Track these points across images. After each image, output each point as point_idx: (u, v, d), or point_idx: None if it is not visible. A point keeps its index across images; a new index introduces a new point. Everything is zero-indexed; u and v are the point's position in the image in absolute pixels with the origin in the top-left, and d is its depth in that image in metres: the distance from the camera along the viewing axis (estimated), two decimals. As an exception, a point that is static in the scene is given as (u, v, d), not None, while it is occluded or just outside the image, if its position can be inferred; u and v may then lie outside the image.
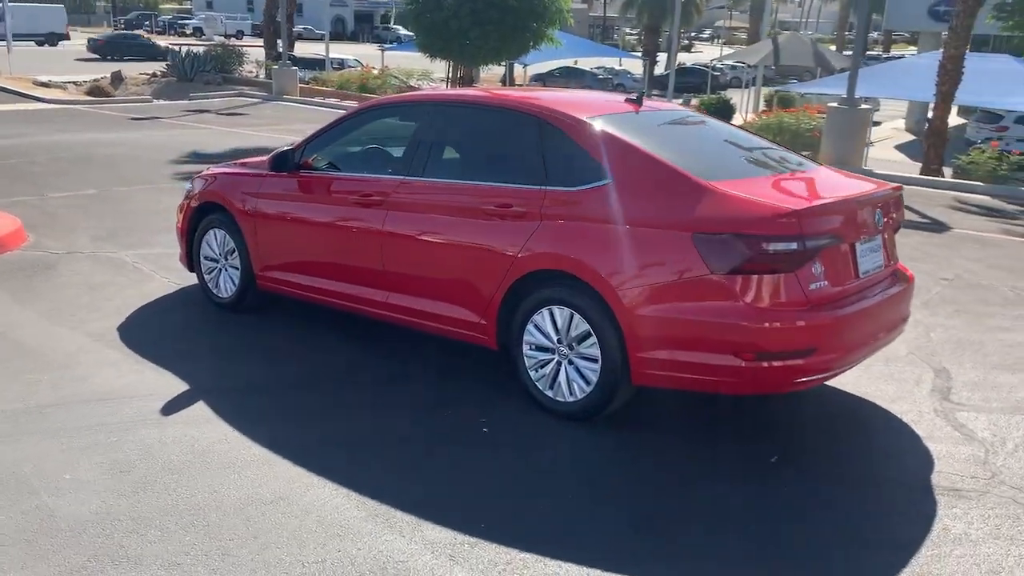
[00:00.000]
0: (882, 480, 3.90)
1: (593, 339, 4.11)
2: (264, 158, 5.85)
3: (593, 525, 3.41)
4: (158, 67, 26.54)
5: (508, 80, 33.85)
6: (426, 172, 4.75)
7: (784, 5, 56.45)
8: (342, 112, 7.34)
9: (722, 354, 3.81)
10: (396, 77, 24.71)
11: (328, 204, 5.17)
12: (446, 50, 19.36)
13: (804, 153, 6.32)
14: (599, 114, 4.44)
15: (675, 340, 3.89)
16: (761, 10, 47.74)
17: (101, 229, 8.17)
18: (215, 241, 5.87)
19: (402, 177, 4.83)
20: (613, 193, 4.09)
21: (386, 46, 41.21)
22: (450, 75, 21.03)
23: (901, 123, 30.06)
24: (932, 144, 15.79)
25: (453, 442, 4.11)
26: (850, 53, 48.44)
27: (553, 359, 4.29)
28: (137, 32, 48.29)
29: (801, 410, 4.58)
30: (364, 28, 67.64)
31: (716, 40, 69.35)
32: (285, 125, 17.86)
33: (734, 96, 28.99)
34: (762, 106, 27.61)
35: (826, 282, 3.88)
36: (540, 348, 4.34)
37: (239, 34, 50.51)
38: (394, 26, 65.58)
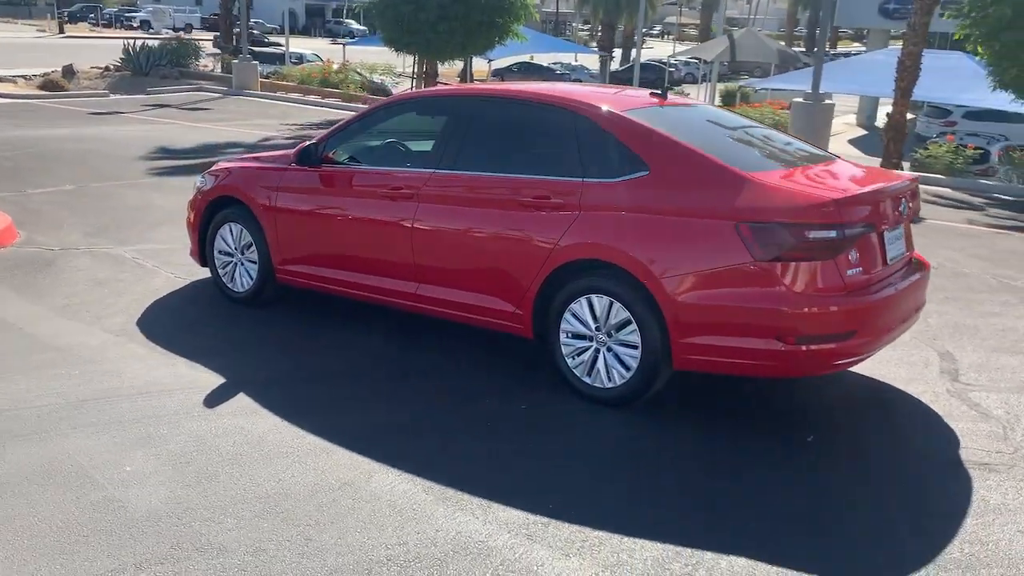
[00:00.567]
0: (914, 457, 4.10)
1: (633, 326, 4.23)
2: (282, 152, 5.88)
3: (654, 504, 3.54)
4: (111, 60, 25.98)
5: (467, 75, 33.83)
6: (458, 165, 4.82)
7: (732, 2, 57.29)
8: (360, 109, 7.33)
9: (764, 338, 3.97)
10: (358, 72, 24.58)
11: (355, 197, 5.21)
12: (412, 44, 19.35)
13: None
14: (633, 107, 4.57)
15: (718, 326, 4.04)
16: (712, 7, 48.40)
17: (90, 225, 8.07)
18: (231, 235, 5.86)
19: (433, 170, 4.89)
20: (653, 184, 4.22)
21: (347, 40, 40.93)
22: (416, 70, 20.99)
23: (853, 118, 30.80)
24: (892, 139, 16.23)
25: (497, 429, 4.21)
26: (800, 49, 49.45)
27: (591, 346, 4.41)
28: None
29: (825, 393, 4.77)
30: (316, 22, 66.84)
31: (666, 36, 70.18)
32: (253, 120, 17.69)
33: (690, 92, 29.44)
34: (717, 101, 28.08)
35: (860, 268, 4.07)
36: (577, 336, 4.45)
37: (188, 28, 49.54)
38: (347, 20, 65.06)
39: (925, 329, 5.83)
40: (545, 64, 36.82)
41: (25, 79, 23.30)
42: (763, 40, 29.62)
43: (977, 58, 14.85)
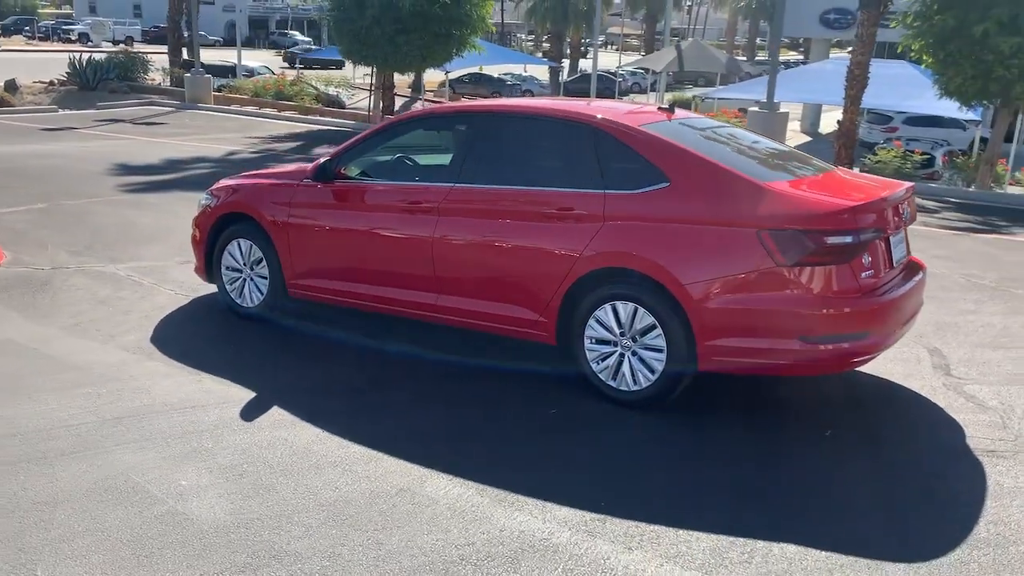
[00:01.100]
0: (926, 447, 4.37)
1: (658, 330, 4.43)
2: (292, 167, 5.98)
3: (699, 498, 3.74)
4: (56, 75, 25.45)
5: (417, 86, 33.92)
6: (479, 179, 4.98)
7: (674, 12, 58.38)
8: (379, 125, 7.40)
9: (786, 339, 4.21)
10: (312, 85, 24.51)
11: (373, 211, 5.32)
12: (370, 57, 19.43)
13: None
14: (648, 122, 4.78)
15: (741, 328, 4.26)
16: (655, 18, 49.30)
17: (74, 244, 8.01)
18: (239, 251, 5.92)
19: (452, 184, 5.04)
20: (675, 195, 4.43)
21: (302, 53, 40.71)
22: (373, 81, 21.04)
23: (797, 125, 31.65)
24: (843, 145, 16.83)
25: (531, 433, 4.37)
26: (742, 58, 50.57)
27: (615, 351, 4.60)
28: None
29: (832, 391, 5.02)
30: (259, 34, 66.20)
31: (610, 46, 71.13)
32: (212, 134, 17.56)
33: (640, 101, 29.98)
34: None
35: (871, 272, 4.33)
36: (602, 341, 4.63)
37: (129, 40, 48.55)
38: (291, 32, 64.58)
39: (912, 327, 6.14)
40: (495, 75, 37.08)
41: (-34, 95, 22.73)
42: (709, 50, 30.35)
43: (923, 67, 15.48)
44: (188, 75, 23.00)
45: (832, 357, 4.26)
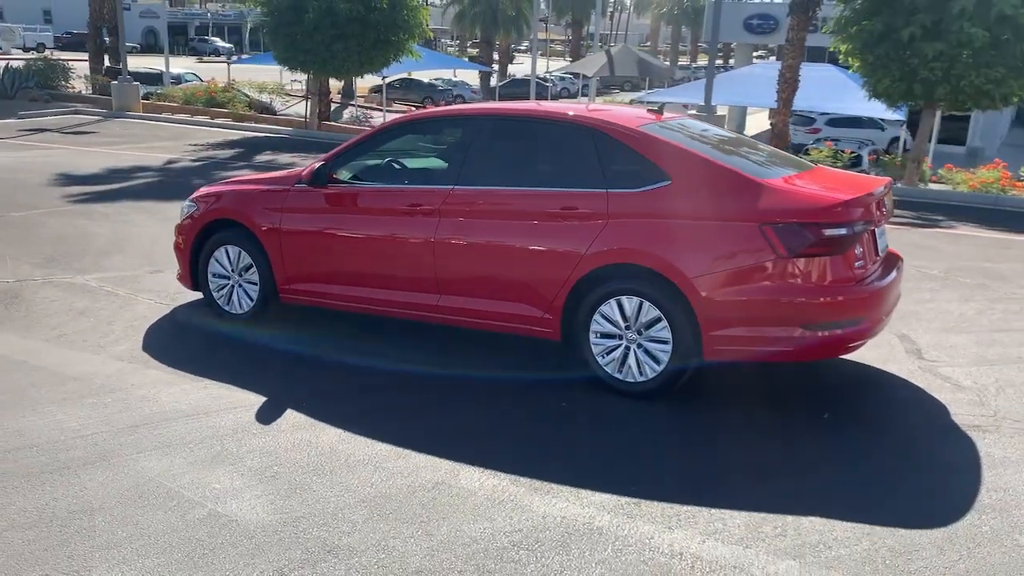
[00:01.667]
0: (917, 424, 4.65)
1: (663, 323, 4.61)
2: (279, 173, 5.98)
3: (721, 477, 3.93)
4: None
5: (349, 92, 33.70)
6: (479, 180, 5.08)
7: (598, 17, 59.28)
8: (370, 129, 7.41)
9: (787, 327, 4.43)
10: (243, 92, 24.13)
11: (369, 215, 5.37)
12: (307, 63, 19.26)
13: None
14: (644, 123, 4.96)
15: (745, 318, 4.47)
16: (581, 24, 49.98)
17: (34, 256, 7.80)
18: (226, 258, 5.89)
19: (452, 186, 5.13)
20: (676, 192, 4.62)
21: (234, 59, 39.99)
22: (309, 87, 20.85)
23: (723, 126, 32.56)
24: (777, 145, 17.41)
25: (547, 425, 4.49)
26: (668, 63, 51.58)
27: (620, 344, 4.76)
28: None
29: (820, 376, 5.29)
30: (179, 40, 64.68)
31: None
32: (147, 143, 17.17)
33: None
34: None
35: (863, 262, 4.59)
36: (606, 335, 4.79)
37: (41, 47, 46.90)
38: (211, 38, 63.26)
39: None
40: (426, 80, 37.07)
41: None
42: (639, 55, 30.95)
43: (850, 70, 16.14)
44: (115, 83, 22.37)
45: (830, 343, 4.51)
